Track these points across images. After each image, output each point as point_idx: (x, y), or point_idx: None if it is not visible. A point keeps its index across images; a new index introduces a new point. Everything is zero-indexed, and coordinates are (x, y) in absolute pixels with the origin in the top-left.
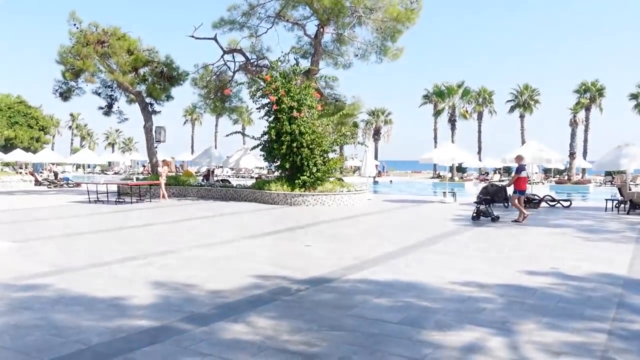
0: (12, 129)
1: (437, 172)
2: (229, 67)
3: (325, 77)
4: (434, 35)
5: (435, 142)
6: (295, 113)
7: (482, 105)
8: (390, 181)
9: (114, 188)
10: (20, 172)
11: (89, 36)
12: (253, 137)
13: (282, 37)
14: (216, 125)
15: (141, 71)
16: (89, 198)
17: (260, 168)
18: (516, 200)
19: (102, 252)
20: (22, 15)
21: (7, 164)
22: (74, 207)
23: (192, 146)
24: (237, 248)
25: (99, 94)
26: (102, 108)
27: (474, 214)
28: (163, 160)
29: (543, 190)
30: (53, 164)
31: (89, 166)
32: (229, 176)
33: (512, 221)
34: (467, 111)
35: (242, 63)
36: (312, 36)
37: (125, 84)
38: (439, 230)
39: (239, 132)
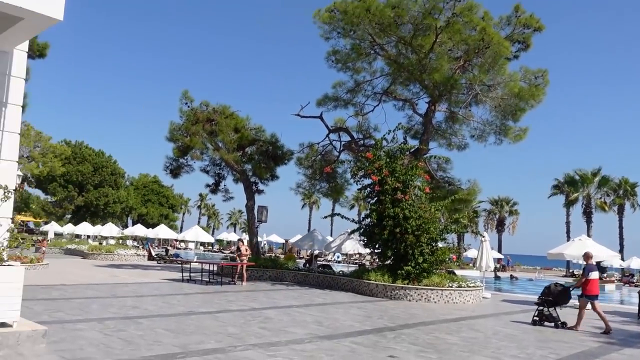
0: (145, 206)
1: (570, 270)
2: (335, 147)
3: (436, 157)
4: (563, 113)
5: (568, 236)
6: (399, 195)
7: (623, 198)
8: (512, 277)
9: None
10: (137, 247)
11: (198, 114)
12: (353, 220)
13: (390, 115)
14: (332, 209)
15: (248, 150)
16: (182, 276)
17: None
18: (585, 307)
19: (143, 343)
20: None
21: (126, 238)
22: (162, 285)
23: (309, 229)
24: (301, 353)
25: (207, 172)
26: (209, 186)
27: (535, 318)
28: (240, 240)
29: None
30: (176, 240)
31: (209, 244)
32: (339, 261)
33: (567, 327)
34: (605, 203)
35: (347, 142)
36: (422, 114)
37: (231, 162)
38: (573, 348)
39: (337, 215)
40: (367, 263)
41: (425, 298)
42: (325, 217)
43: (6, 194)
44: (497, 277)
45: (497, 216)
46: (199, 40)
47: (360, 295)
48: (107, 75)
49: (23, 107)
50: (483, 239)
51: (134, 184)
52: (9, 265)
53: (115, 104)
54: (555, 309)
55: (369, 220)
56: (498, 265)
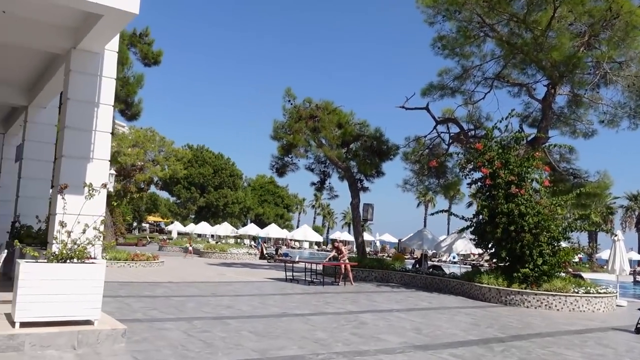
0: (261, 206)
1: None
2: (443, 139)
3: (558, 146)
4: None
5: None
6: (514, 189)
7: None
8: None
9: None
10: (251, 245)
11: (301, 111)
12: (463, 217)
13: (504, 102)
14: (449, 207)
15: (352, 146)
16: (286, 276)
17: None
18: None
19: (222, 347)
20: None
21: (244, 237)
22: (265, 284)
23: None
24: None
25: (311, 170)
26: (314, 184)
27: (638, 326)
28: (335, 241)
29: None
30: (290, 239)
31: (324, 243)
32: (455, 262)
33: None
34: None
35: (455, 134)
36: (540, 99)
37: (334, 159)
38: None
39: (445, 211)
40: (486, 264)
41: (545, 305)
42: (432, 214)
43: (90, 191)
44: (636, 282)
45: (636, 213)
46: (301, 38)
47: (471, 299)
48: (220, 79)
49: (138, 112)
50: (616, 238)
51: (251, 185)
52: (91, 263)
53: (229, 106)
54: None
55: (480, 217)
56: (638, 269)
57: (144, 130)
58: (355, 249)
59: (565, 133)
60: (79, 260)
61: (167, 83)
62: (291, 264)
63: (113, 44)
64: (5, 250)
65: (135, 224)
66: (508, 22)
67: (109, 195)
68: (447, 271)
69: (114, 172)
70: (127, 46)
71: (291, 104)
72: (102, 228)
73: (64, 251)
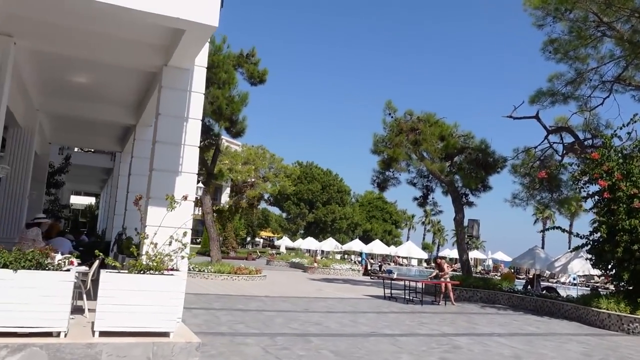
0: (369, 222)
1: None
2: (556, 150)
3: None
4: None
5: None
6: (637, 203)
7: None
8: None
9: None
10: (355, 262)
11: (402, 124)
12: (577, 234)
13: (626, 107)
14: (570, 225)
15: (456, 159)
16: (384, 293)
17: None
18: None
19: None
20: None
21: (351, 253)
22: (361, 302)
23: (543, 247)
24: None
25: (414, 184)
26: (417, 199)
27: None
28: (438, 259)
29: None
30: (399, 256)
31: (427, 261)
32: (575, 284)
33: None
34: None
35: (570, 144)
36: None
37: (436, 172)
38: None
39: (558, 228)
40: (612, 287)
41: None
42: (542, 231)
43: (172, 203)
44: None
45: None
46: (405, 49)
47: (587, 326)
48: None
49: (242, 129)
50: None
51: (360, 201)
52: (170, 274)
53: (340, 122)
54: None
55: (597, 234)
56: None
57: (255, 148)
58: (460, 267)
59: None
60: (159, 272)
61: (276, 101)
62: (389, 281)
63: (202, 60)
64: (97, 261)
65: (249, 238)
66: (629, 18)
67: (221, 211)
68: (563, 293)
69: (202, 186)
70: (234, 67)
71: (392, 117)
72: (185, 239)
73: (144, 262)
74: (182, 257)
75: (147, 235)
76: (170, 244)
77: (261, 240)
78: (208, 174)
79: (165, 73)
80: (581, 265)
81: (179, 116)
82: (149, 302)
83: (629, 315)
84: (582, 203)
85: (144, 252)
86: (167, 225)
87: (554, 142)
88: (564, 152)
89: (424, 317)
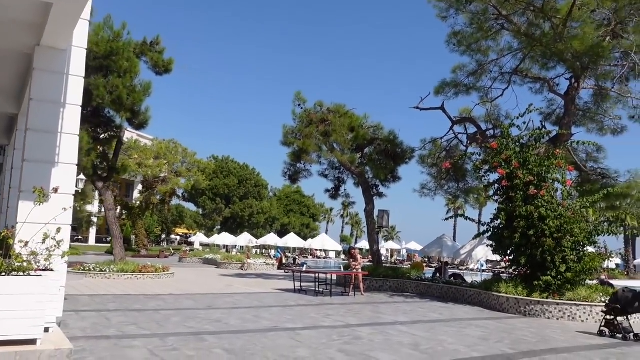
0: (287, 216)
1: None
2: (461, 141)
3: (582, 142)
4: None
5: None
6: (532, 190)
7: None
8: None
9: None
10: (269, 255)
11: (312, 115)
12: (479, 221)
13: (524, 99)
14: (479, 214)
15: (366, 150)
16: (294, 287)
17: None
18: None
19: None
20: None
21: (272, 247)
22: (269, 296)
23: (455, 237)
24: None
25: (325, 176)
26: (328, 191)
27: (602, 328)
28: (353, 249)
29: None
30: (316, 249)
31: (345, 253)
32: (483, 270)
33: None
34: None
35: (472, 134)
36: (563, 93)
37: (347, 164)
38: None
39: (461, 216)
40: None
41: (568, 316)
42: (446, 219)
43: (40, 197)
44: None
45: None
46: (308, 36)
47: (488, 310)
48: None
49: (145, 120)
50: None
51: (277, 195)
52: (37, 275)
53: (252, 119)
54: (627, 318)
55: (497, 221)
56: None
57: (167, 142)
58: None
59: (592, 130)
60: (24, 273)
61: (190, 97)
62: (300, 274)
63: (82, 41)
64: None
65: (163, 236)
66: (525, 11)
67: (131, 207)
68: (469, 280)
69: (83, 178)
70: (137, 55)
71: (301, 107)
72: (61, 236)
73: (3, 263)
74: (56, 257)
75: (13, 233)
76: (44, 241)
77: (178, 238)
78: (109, 168)
79: (38, 54)
80: (484, 252)
81: (55, 101)
82: (11, 306)
83: (526, 298)
84: (487, 193)
85: (16, 251)
86: (34, 222)
87: (458, 133)
88: (468, 142)
89: (331, 309)
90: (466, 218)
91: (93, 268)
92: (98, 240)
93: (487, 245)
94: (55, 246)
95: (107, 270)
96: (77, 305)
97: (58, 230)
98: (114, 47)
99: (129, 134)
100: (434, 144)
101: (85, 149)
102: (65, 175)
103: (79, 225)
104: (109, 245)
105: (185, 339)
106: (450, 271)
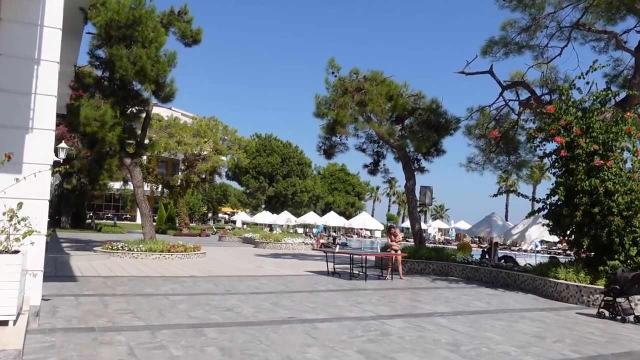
0: (331, 194)
1: None
2: (512, 108)
3: None
4: None
5: None
6: (597, 161)
7: None
8: None
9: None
10: (309, 235)
11: (347, 84)
12: (532, 198)
13: (586, 59)
14: (533, 192)
15: (406, 122)
16: (327, 269)
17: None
18: None
19: None
20: None
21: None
22: (299, 279)
23: (506, 217)
24: None
25: (363, 150)
26: (367, 166)
27: (601, 310)
28: (390, 229)
29: None
30: (361, 229)
31: (402, 230)
32: (538, 251)
33: None
34: None
35: (525, 100)
36: (633, 49)
37: (384, 135)
38: None
39: (512, 192)
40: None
41: None
42: (494, 195)
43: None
44: None
45: None
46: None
47: (543, 298)
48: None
49: (171, 93)
50: None
51: (321, 173)
52: None
53: (299, 92)
54: (627, 299)
55: (555, 197)
56: None
57: (207, 120)
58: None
59: None
60: None
61: (233, 71)
62: (333, 255)
63: None
64: None
65: (210, 214)
66: None
67: (172, 186)
68: (522, 262)
69: (65, 146)
70: (164, 25)
71: (335, 76)
72: (24, 213)
73: None
74: (17, 237)
75: None
76: (10, 218)
77: (225, 216)
78: (137, 144)
79: (5, 2)
80: (539, 232)
81: (28, 57)
82: None
83: (589, 285)
84: (541, 167)
85: None
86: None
87: (509, 100)
88: (520, 109)
89: (362, 295)
90: (518, 194)
91: (121, 247)
92: None
93: (543, 225)
94: (15, 225)
95: (135, 250)
96: (83, 288)
97: (19, 205)
98: (137, 15)
99: (168, 112)
100: (482, 112)
101: (109, 123)
102: (42, 143)
103: (124, 203)
104: (154, 224)
105: (181, 332)
106: (501, 253)
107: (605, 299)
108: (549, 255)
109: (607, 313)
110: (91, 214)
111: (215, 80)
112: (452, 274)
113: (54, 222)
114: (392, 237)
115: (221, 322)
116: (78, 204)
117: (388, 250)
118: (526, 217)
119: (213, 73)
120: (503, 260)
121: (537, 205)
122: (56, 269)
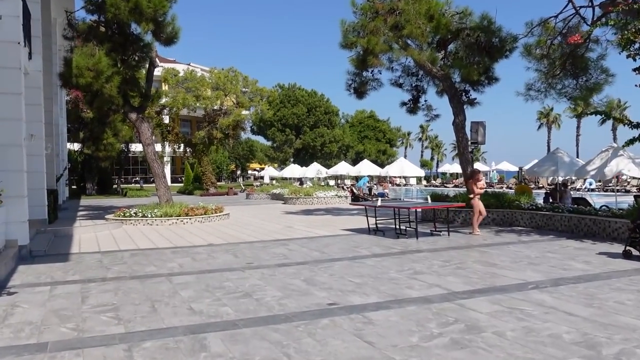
0: (362, 143)
1: None
2: (583, 17)
3: None
4: None
5: None
6: None
7: None
8: None
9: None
10: (342, 187)
11: (377, 5)
12: (629, 123)
13: None
14: (577, 127)
15: (451, 47)
16: (368, 226)
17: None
18: None
19: None
20: None
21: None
22: (335, 241)
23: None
24: None
25: (400, 85)
26: (405, 104)
27: (627, 248)
28: (475, 171)
29: None
30: (394, 176)
31: (433, 178)
32: (592, 189)
33: None
34: None
35: (606, 1)
36: None
37: (425, 64)
38: None
39: (599, 113)
40: None
41: None
42: (577, 115)
43: None
44: None
45: None
46: None
47: None
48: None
49: (174, 34)
50: None
51: (350, 122)
52: None
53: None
54: None
55: None
56: None
57: (225, 71)
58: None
59: None
60: None
61: (252, 23)
62: (373, 209)
63: None
64: None
65: (239, 172)
66: None
67: (194, 144)
68: (595, 204)
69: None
70: None
71: None
72: None
73: None
74: None
75: None
76: None
77: (255, 173)
78: (143, 96)
79: None
80: (624, 165)
81: None
82: None
83: None
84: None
85: None
86: None
87: (580, 7)
88: (600, 13)
89: (418, 260)
90: (614, 119)
91: (134, 214)
92: (174, 181)
93: (629, 158)
94: None
95: (149, 215)
96: (69, 272)
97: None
98: None
99: (184, 66)
100: (545, 26)
101: (105, 72)
102: None
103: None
104: (182, 185)
105: (173, 344)
106: (572, 195)
107: (632, 236)
108: (633, 194)
109: (634, 251)
110: (118, 179)
111: (229, 37)
112: (517, 223)
113: (79, 189)
114: (476, 182)
115: (234, 319)
116: (101, 169)
117: (471, 198)
118: (623, 147)
119: (228, 30)
120: (575, 204)
121: (592, 142)
122: (48, 246)
